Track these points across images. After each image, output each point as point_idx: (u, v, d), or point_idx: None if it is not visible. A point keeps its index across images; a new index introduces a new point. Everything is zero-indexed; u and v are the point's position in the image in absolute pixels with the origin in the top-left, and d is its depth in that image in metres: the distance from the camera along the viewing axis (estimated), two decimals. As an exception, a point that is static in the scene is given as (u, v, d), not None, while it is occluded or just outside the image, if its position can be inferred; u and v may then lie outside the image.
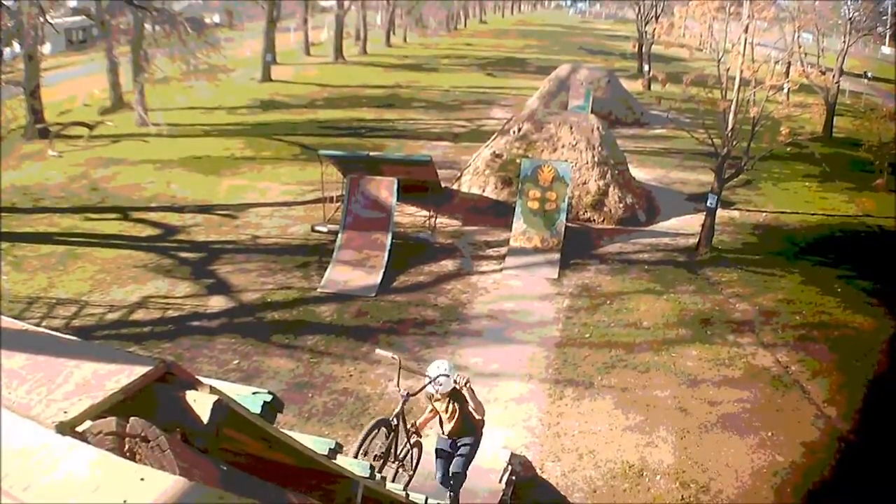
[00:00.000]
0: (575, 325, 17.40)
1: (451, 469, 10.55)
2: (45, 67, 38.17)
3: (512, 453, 12.33)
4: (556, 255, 20.38)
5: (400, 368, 10.20)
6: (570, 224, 21.69)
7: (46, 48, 44.00)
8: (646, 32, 48.69)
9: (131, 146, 31.48)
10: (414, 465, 11.05)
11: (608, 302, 18.52)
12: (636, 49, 54.47)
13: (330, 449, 5.53)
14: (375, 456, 9.71)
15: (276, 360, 15.42)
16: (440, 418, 10.64)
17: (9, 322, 3.80)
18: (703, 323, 17.58)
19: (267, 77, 46.03)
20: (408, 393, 10.01)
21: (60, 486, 2.28)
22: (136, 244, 21.15)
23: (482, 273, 20.06)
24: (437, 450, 10.85)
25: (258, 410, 4.42)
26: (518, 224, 21.07)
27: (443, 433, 10.67)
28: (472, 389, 10.11)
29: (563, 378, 15.25)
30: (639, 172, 27.23)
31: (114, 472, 2.33)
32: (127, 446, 2.64)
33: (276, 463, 4.08)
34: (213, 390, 3.11)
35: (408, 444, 10.57)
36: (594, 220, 23.24)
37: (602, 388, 14.94)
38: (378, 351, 11.34)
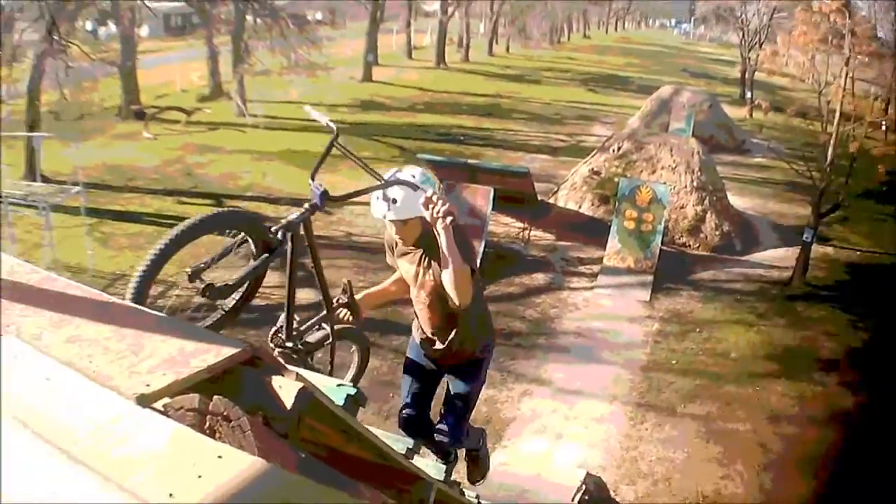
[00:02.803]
0: (662, 349, 17.21)
1: (442, 421, 6.35)
2: (142, 50, 38.61)
3: (587, 473, 12.19)
4: (649, 278, 20.19)
5: (331, 147, 5.31)
6: (664, 247, 21.50)
7: (144, 31, 44.51)
8: (749, 58, 48.13)
9: (228, 135, 31.80)
10: (356, 367, 6.91)
11: (697, 329, 18.25)
12: (739, 74, 53.85)
13: (408, 448, 5.49)
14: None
15: (359, 356, 15.39)
16: (414, 296, 6.20)
17: (95, 293, 3.83)
18: (790, 358, 17.24)
19: (368, 77, 46.23)
20: (323, 192, 5.31)
21: (136, 457, 2.27)
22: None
23: (573, 289, 19.97)
24: (405, 362, 6.65)
25: (341, 403, 4.42)
26: (613, 243, 20.93)
27: (421, 332, 6.32)
28: (454, 229, 5.23)
29: (645, 402, 15.10)
30: (736, 200, 26.78)
31: (191, 448, 2.32)
32: (207, 424, 2.63)
33: (353, 457, 4.03)
34: (298, 377, 3.10)
35: (323, 326, 6.16)
36: (689, 246, 22.99)
37: (684, 416, 14.76)
38: (306, 108, 6.39)
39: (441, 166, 22.57)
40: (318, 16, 67.15)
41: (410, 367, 6.55)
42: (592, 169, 25.09)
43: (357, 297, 6.37)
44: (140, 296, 4.56)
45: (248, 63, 33.93)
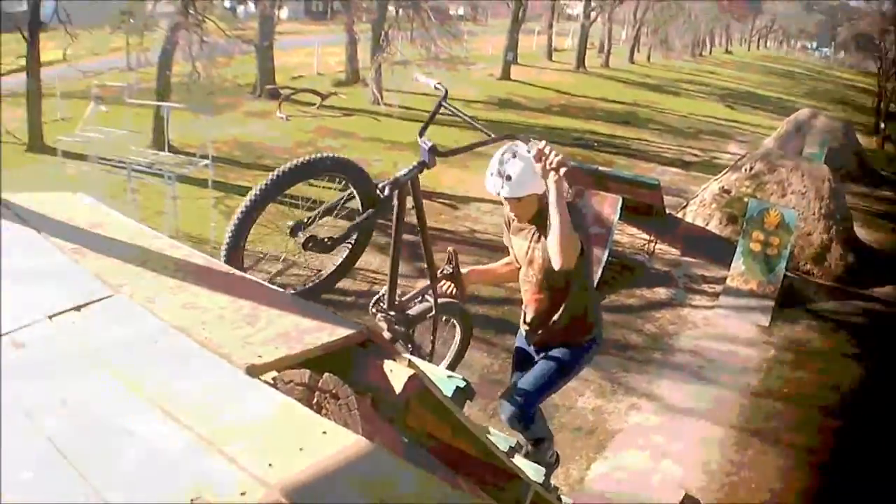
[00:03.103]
0: (776, 377, 16.87)
1: (519, 383, 6.00)
2: (281, 31, 39.08)
3: (686, 493, 12.12)
4: (770, 303, 19.78)
5: (439, 107, 5.44)
6: (787, 273, 21.13)
7: (284, 13, 45.05)
8: (885, 88, 47.16)
9: (362, 122, 32.09)
10: (456, 347, 6.98)
11: (813, 360, 17.92)
12: (874, 104, 52.74)
13: (510, 447, 5.50)
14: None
15: (472, 353, 15.34)
16: (522, 274, 5.96)
17: (216, 264, 3.91)
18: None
19: (506, 76, 46.27)
20: (432, 147, 5.36)
21: (240, 425, 2.30)
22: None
23: (694, 307, 19.76)
24: (515, 351, 6.50)
25: (449, 394, 4.45)
26: (737, 264, 20.63)
27: (524, 321, 6.15)
28: (569, 206, 5.03)
29: (752, 428, 14.87)
30: (862, 232, 26.25)
31: (296, 421, 2.35)
32: (315, 400, 2.66)
33: (454, 449, 4.03)
34: (410, 364, 3.13)
35: (426, 298, 6.07)
36: (813, 274, 22.54)
37: (789, 446, 14.55)
38: (416, 74, 6.51)
39: (571, 171, 22.46)
40: (461, 10, 67.38)
41: (517, 358, 6.41)
42: (723, 187, 24.79)
43: (463, 271, 6.28)
44: (240, 232, 4.73)
45: (387, 52, 34.16)
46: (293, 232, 4.99)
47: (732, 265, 20.78)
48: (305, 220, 5.06)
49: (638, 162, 32.95)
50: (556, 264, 5.11)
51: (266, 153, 26.03)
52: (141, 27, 27.63)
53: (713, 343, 18.01)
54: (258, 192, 4.76)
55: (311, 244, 4.95)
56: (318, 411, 2.60)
